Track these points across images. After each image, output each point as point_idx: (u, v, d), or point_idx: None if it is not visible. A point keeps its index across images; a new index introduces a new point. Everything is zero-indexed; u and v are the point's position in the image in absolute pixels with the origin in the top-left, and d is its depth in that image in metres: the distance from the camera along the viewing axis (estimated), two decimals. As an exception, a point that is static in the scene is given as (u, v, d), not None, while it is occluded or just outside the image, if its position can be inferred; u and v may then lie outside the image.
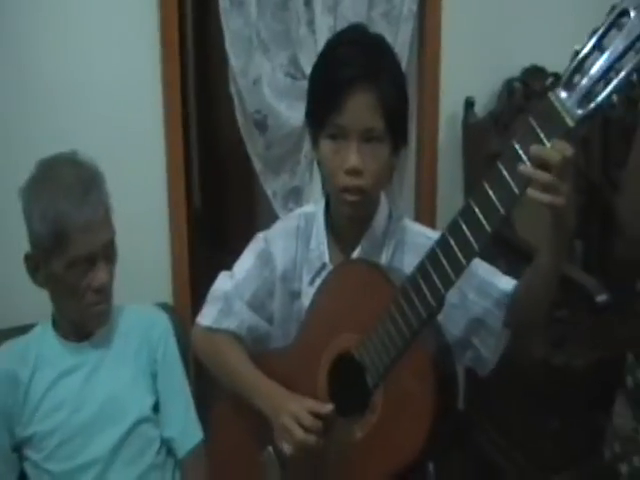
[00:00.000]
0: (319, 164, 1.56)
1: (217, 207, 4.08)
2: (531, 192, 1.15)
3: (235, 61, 2.44)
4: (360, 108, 1.41)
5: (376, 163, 1.44)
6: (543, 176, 1.12)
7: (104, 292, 1.69)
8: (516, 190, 1.16)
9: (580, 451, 2.49)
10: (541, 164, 1.12)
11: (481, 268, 1.44)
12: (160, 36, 2.29)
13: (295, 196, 2.59)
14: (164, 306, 2.12)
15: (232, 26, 2.41)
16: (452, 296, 1.31)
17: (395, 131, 1.46)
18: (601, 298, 2.25)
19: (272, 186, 2.62)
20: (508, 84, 2.77)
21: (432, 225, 2.64)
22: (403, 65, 2.59)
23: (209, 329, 1.65)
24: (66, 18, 2.20)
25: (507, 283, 1.45)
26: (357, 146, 1.42)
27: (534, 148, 1.13)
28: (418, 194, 2.81)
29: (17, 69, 2.15)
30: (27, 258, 1.69)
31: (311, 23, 2.46)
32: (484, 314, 1.44)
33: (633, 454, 1.73)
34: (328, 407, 1.44)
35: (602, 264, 2.91)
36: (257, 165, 2.59)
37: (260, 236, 1.66)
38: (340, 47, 1.47)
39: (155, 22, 2.28)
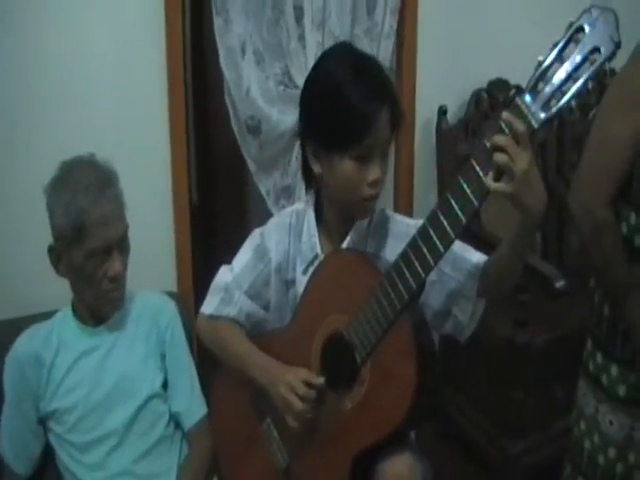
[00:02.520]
0: (314, 173, 1.51)
1: (212, 204, 4.06)
2: (488, 181, 1.17)
3: (229, 74, 2.43)
4: (383, 126, 1.41)
5: (385, 170, 1.46)
6: (499, 157, 1.15)
7: (118, 280, 1.69)
8: (487, 184, 1.18)
9: (540, 418, 2.52)
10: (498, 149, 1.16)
11: (455, 245, 1.41)
12: (166, 50, 2.28)
13: (287, 194, 2.58)
14: (169, 294, 2.11)
15: (226, 43, 2.40)
16: (431, 274, 1.31)
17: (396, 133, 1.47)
18: (559, 284, 2.26)
19: (265, 185, 2.61)
20: (476, 94, 2.77)
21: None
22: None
23: (211, 317, 1.66)
24: (72, 31, 2.17)
25: (479, 257, 1.45)
26: (380, 161, 1.42)
27: (495, 137, 1.15)
28: (396, 193, 2.82)
29: (22, 67, 2.12)
30: (50, 250, 1.69)
31: (301, 38, 2.45)
32: (460, 286, 1.44)
33: (594, 431, 1.75)
34: (320, 379, 1.45)
35: (559, 253, 2.93)
36: (251, 166, 2.58)
37: (257, 232, 1.65)
38: (360, 78, 1.40)
39: (162, 35, 2.27)
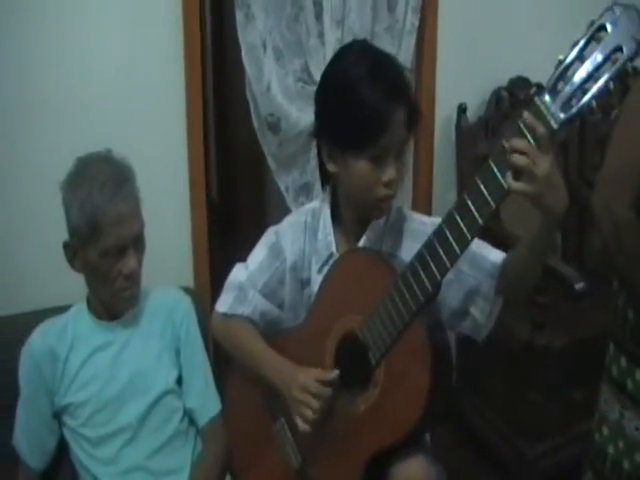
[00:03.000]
0: (331, 172, 1.50)
1: (232, 200, 4.07)
2: (510, 182, 1.15)
3: (250, 70, 2.42)
4: (399, 126, 1.40)
5: (402, 170, 1.45)
6: (519, 159, 1.13)
7: (133, 278, 1.69)
8: (505, 185, 1.17)
9: (557, 421, 2.50)
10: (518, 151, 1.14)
11: (474, 243, 1.42)
12: (184, 45, 2.27)
13: (305, 191, 2.58)
14: (186, 289, 2.11)
15: (247, 38, 2.39)
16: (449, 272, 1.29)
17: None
18: (579, 286, 2.24)
19: (285, 182, 2.61)
20: (496, 93, 2.75)
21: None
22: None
23: (226, 315, 1.66)
24: (89, 26, 2.18)
25: (497, 255, 1.44)
26: (395, 161, 1.41)
27: (514, 140, 1.13)
28: (415, 191, 2.80)
29: (39, 65, 2.13)
30: (66, 246, 1.69)
31: (321, 35, 2.44)
32: (478, 284, 1.43)
33: (618, 437, 1.73)
34: (334, 373, 1.44)
35: (579, 255, 2.91)
36: (271, 163, 2.57)
37: (271, 230, 1.65)
38: (377, 78, 1.39)
39: (179, 32, 2.26)
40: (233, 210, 3.98)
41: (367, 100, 1.37)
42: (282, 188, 2.61)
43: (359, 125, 1.38)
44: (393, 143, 1.39)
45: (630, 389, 1.68)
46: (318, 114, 1.51)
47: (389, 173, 1.40)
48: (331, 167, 1.48)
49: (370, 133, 1.37)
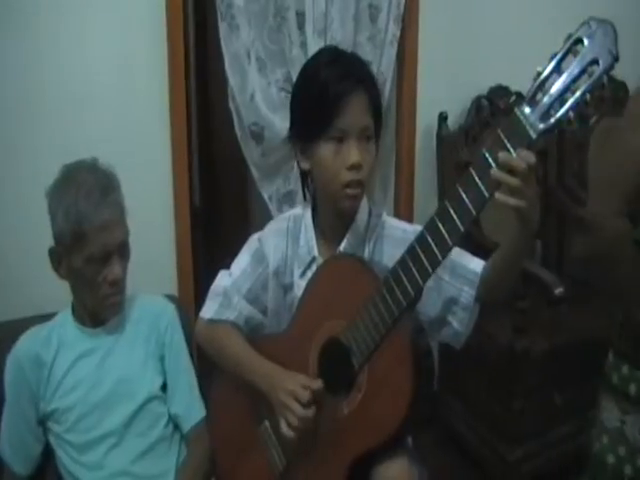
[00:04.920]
0: (307, 172, 1.56)
1: (215, 207, 4.09)
2: (499, 196, 1.18)
3: (233, 80, 2.45)
4: (358, 111, 1.45)
5: (370, 158, 1.48)
6: (512, 180, 1.16)
7: (118, 285, 1.70)
8: (486, 193, 1.19)
9: (539, 425, 2.53)
10: (509, 170, 1.16)
11: (454, 252, 1.43)
12: (167, 54, 2.30)
13: (289, 200, 2.60)
14: (170, 297, 2.12)
15: (231, 48, 2.41)
16: (429, 280, 1.32)
17: (378, 127, 1.51)
18: (558, 291, 2.27)
19: (268, 191, 2.62)
20: (476, 101, 2.79)
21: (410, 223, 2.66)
22: (387, 85, 2.62)
23: (211, 321, 1.68)
24: (73, 36, 2.19)
25: (477, 264, 1.47)
26: (357, 145, 1.45)
27: (502, 155, 1.16)
28: (397, 198, 2.83)
29: (24, 70, 2.14)
30: (51, 252, 1.70)
31: (303, 45, 2.47)
32: (458, 293, 1.46)
33: (618, 444, 1.74)
34: (318, 383, 1.46)
35: (558, 261, 2.94)
36: (254, 173, 2.59)
37: (255, 237, 1.68)
38: (334, 63, 1.49)
39: (162, 42, 2.28)
40: (216, 217, 3.99)
41: (323, 80, 1.46)
42: (265, 197, 2.62)
43: (316, 105, 1.45)
44: (353, 126, 1.45)
45: (633, 393, 1.69)
46: (290, 113, 1.58)
47: (352, 156, 1.45)
48: (304, 164, 1.54)
49: (326, 111, 1.44)
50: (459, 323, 1.47)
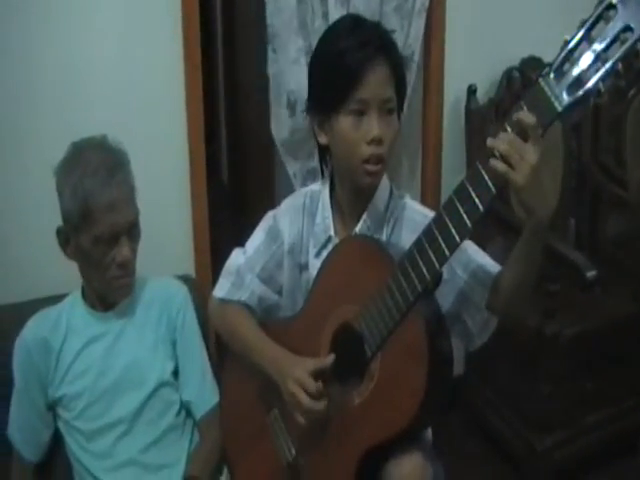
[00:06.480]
0: (325, 147, 1.51)
1: (242, 186, 4.09)
2: (492, 160, 1.13)
3: (276, 40, 2.36)
4: (379, 81, 1.40)
5: (391, 132, 1.42)
6: (499, 144, 1.12)
7: (127, 267, 1.67)
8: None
9: (567, 413, 2.47)
10: (519, 131, 1.13)
11: (470, 248, 1.41)
12: (182, 27, 2.22)
13: (313, 176, 2.55)
14: (186, 278, 2.10)
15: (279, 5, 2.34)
16: (443, 271, 1.27)
17: (402, 99, 1.46)
18: (590, 274, 2.20)
19: (293, 167, 2.58)
20: (507, 73, 2.71)
21: (437, 203, 2.60)
22: (415, 57, 2.54)
23: (223, 300, 1.65)
24: (85, 9, 2.13)
25: (492, 266, 1.41)
26: (377, 117, 1.39)
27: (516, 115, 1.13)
28: (424, 175, 2.76)
29: (31, 55, 2.09)
30: (58, 232, 1.68)
31: (325, 15, 2.39)
32: (470, 290, 1.40)
33: None
34: (330, 358, 1.42)
35: (592, 242, 2.86)
36: (280, 148, 2.55)
37: (270, 214, 1.64)
38: (353, 31, 1.43)
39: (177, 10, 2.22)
40: (244, 196, 3.99)
41: (341, 49, 1.40)
42: (290, 173, 2.59)
43: (336, 75, 1.40)
44: (373, 98, 1.39)
45: None
46: (308, 85, 1.53)
47: (372, 130, 1.39)
48: (322, 139, 1.49)
49: (346, 82, 1.38)
50: (472, 322, 1.42)
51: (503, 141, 1.13)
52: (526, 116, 1.11)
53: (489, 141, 1.15)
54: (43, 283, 2.00)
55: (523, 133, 1.13)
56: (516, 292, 1.34)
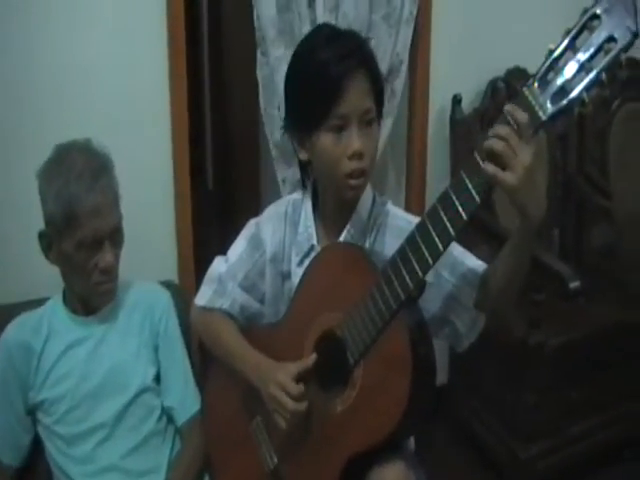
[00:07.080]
0: (306, 162, 1.50)
1: (227, 191, 4.08)
2: (484, 164, 1.12)
3: (267, 43, 2.35)
4: (359, 94, 1.38)
5: (372, 144, 1.42)
6: (494, 143, 1.11)
7: (110, 273, 1.66)
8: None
9: (552, 422, 2.47)
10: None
11: (455, 250, 1.40)
12: (167, 26, 2.21)
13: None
14: (169, 284, 2.08)
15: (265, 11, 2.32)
16: (428, 275, 1.26)
17: (381, 109, 1.45)
18: (574, 285, 2.20)
19: (283, 174, 2.57)
20: (492, 83, 2.72)
21: (422, 210, 2.60)
22: (404, 67, 2.55)
23: (204, 308, 1.65)
24: (73, 14, 2.13)
25: (479, 265, 1.41)
26: (357, 131, 1.38)
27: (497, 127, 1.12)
28: (409, 184, 2.77)
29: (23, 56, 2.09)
30: (41, 236, 1.66)
31: (313, 23, 2.37)
32: (457, 291, 1.40)
33: None
34: (311, 358, 1.42)
35: (577, 252, 2.87)
36: (274, 152, 2.52)
37: (252, 222, 1.64)
38: (331, 43, 1.39)
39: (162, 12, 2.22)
40: (229, 201, 3.99)
41: (320, 63, 1.37)
42: (279, 179, 2.57)
43: (315, 91, 1.37)
44: (353, 112, 1.37)
45: None
46: (285, 101, 1.50)
47: (353, 144, 1.37)
48: (302, 155, 1.47)
49: (327, 98, 1.36)
50: (461, 323, 1.41)
51: (497, 141, 1.12)
52: (519, 113, 1.10)
53: (488, 137, 1.14)
54: (22, 287, 1.99)
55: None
56: (508, 287, 1.33)
